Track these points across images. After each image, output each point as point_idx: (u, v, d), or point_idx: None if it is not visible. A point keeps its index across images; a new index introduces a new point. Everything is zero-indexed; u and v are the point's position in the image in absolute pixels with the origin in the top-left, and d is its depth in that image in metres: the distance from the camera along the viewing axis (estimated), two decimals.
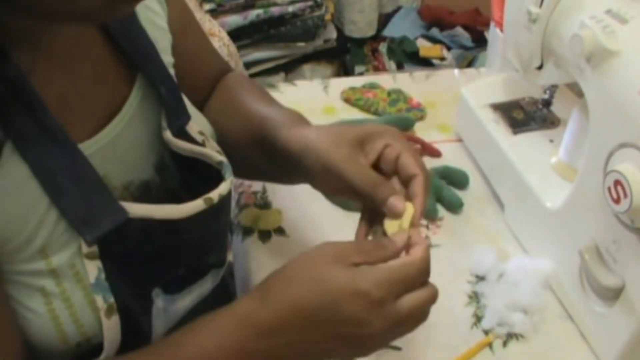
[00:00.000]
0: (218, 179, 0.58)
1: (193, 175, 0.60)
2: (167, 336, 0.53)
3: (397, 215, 0.52)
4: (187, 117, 0.60)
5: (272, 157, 0.63)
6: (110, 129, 0.54)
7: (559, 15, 0.65)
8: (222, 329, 0.49)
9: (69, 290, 0.49)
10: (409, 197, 0.54)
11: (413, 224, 0.52)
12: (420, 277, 0.49)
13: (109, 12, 0.43)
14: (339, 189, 0.56)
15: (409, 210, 0.53)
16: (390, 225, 0.53)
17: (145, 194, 0.58)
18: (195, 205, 0.55)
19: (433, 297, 0.49)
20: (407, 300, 0.47)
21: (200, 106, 0.71)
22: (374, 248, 0.49)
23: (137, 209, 0.51)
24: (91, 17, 0.44)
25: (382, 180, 0.54)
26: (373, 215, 0.56)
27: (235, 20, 1.94)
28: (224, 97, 0.73)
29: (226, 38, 1.70)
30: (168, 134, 0.57)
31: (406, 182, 0.55)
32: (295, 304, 0.47)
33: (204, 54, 0.74)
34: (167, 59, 0.62)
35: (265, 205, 0.82)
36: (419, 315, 0.49)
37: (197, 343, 0.49)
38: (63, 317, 0.50)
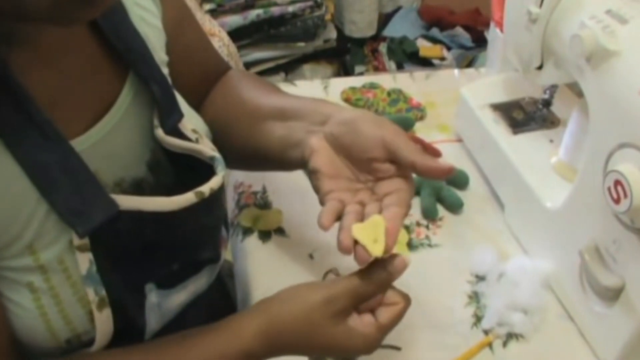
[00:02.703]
0: (211, 174, 0.59)
1: (187, 173, 0.60)
2: (163, 339, 0.55)
3: None
4: (180, 115, 0.60)
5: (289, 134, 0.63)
6: (102, 126, 0.54)
7: (559, 15, 0.65)
8: (224, 348, 0.53)
9: (57, 286, 0.50)
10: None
11: (387, 250, 0.53)
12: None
13: (60, 14, 0.42)
14: (340, 164, 0.59)
15: (380, 223, 0.53)
16: (359, 232, 0.53)
17: (137, 192, 0.58)
18: (186, 198, 0.55)
19: (405, 309, 0.55)
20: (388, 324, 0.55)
21: (198, 103, 0.72)
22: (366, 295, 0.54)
23: (128, 202, 0.51)
24: (45, 19, 0.44)
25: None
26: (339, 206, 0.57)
27: (235, 20, 1.94)
28: (227, 91, 0.73)
29: (226, 38, 1.70)
30: (160, 132, 0.58)
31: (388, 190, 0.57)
32: (302, 353, 0.57)
33: (201, 52, 0.74)
34: (161, 57, 0.62)
35: (265, 205, 0.82)
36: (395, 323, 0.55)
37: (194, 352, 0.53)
38: (51, 314, 0.50)
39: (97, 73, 0.56)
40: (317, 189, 0.59)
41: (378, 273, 0.53)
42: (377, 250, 0.52)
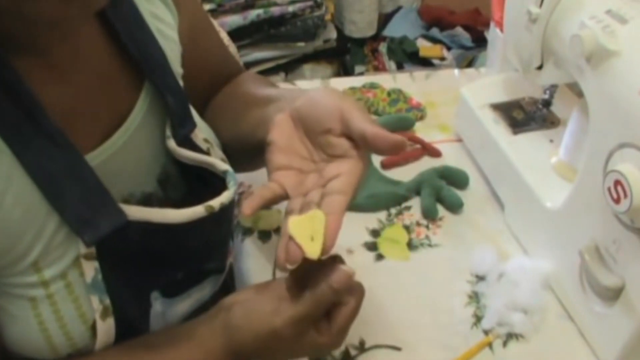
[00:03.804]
0: (222, 188, 0.58)
1: (197, 185, 0.60)
2: (127, 345, 0.54)
3: None
4: (193, 126, 0.59)
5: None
6: (114, 141, 0.53)
7: (559, 15, 0.65)
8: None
9: (59, 301, 0.49)
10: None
11: (325, 249, 0.48)
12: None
13: (66, 9, 0.42)
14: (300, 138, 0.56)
15: (319, 217, 0.48)
16: (296, 227, 0.48)
17: (145, 206, 0.57)
18: (195, 212, 0.54)
19: (359, 304, 0.54)
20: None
21: (205, 105, 0.72)
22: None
23: (137, 212, 0.51)
24: (57, 19, 0.43)
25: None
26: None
27: (235, 20, 1.94)
28: (230, 88, 0.73)
29: (226, 38, 1.70)
30: (172, 143, 0.57)
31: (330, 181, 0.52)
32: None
33: (215, 58, 0.73)
34: (177, 69, 0.61)
35: None
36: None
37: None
38: (52, 330, 0.50)
39: (112, 85, 0.55)
40: (268, 162, 0.55)
41: (322, 293, 0.50)
42: (312, 250, 0.47)
